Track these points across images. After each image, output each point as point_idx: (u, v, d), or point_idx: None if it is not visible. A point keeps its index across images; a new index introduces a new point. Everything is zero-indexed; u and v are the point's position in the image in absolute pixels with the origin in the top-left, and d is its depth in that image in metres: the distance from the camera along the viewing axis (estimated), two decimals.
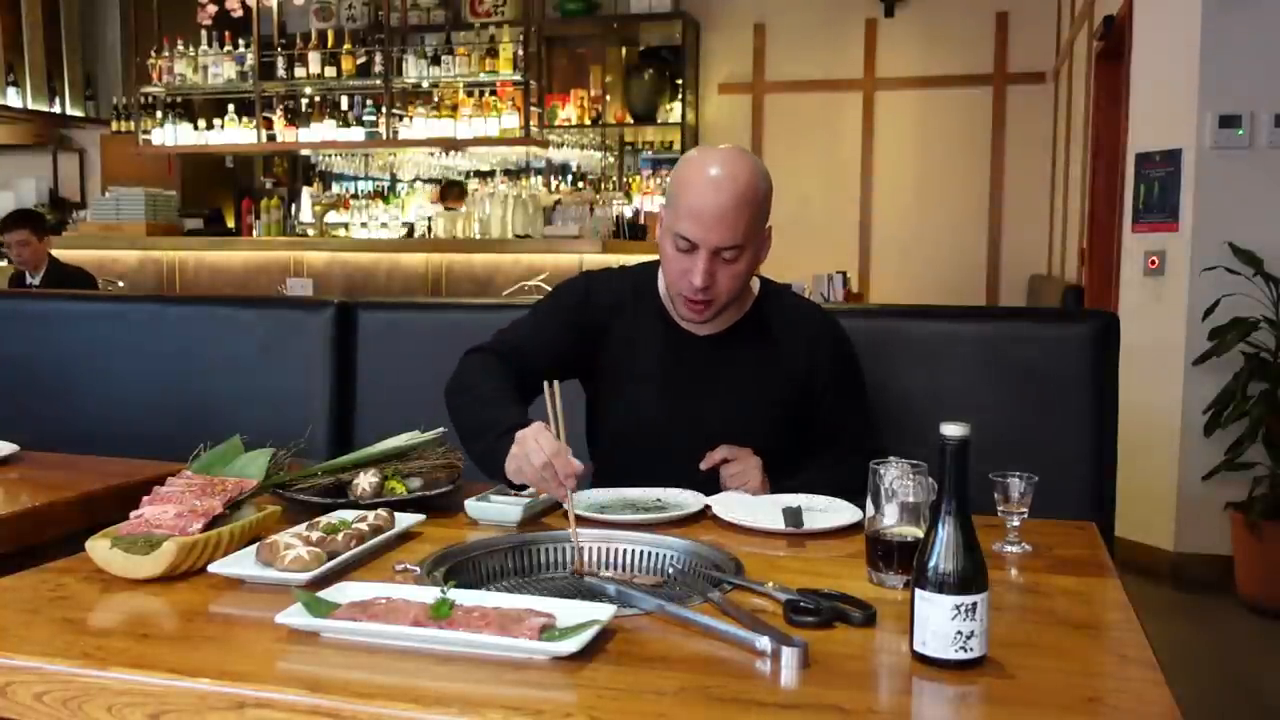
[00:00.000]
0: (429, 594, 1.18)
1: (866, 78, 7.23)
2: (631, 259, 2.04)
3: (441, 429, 1.84)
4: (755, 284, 1.94)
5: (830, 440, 1.90)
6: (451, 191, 6.99)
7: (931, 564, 1.09)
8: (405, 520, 1.55)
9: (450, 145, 6.45)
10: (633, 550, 1.52)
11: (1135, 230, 4.29)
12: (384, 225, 6.73)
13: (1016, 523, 1.51)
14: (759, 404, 1.87)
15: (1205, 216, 4.00)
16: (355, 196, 7.37)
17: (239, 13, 6.49)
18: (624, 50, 7.51)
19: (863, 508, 1.39)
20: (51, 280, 5.14)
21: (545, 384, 1.59)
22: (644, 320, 1.91)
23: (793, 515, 1.57)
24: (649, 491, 1.76)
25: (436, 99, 6.39)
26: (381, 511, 1.54)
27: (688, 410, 1.87)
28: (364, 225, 6.79)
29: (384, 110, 6.34)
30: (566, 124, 7.34)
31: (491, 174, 7.27)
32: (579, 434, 1.95)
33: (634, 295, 1.93)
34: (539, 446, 1.51)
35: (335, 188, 7.60)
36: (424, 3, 7.31)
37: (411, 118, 6.39)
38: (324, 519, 1.51)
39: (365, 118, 6.43)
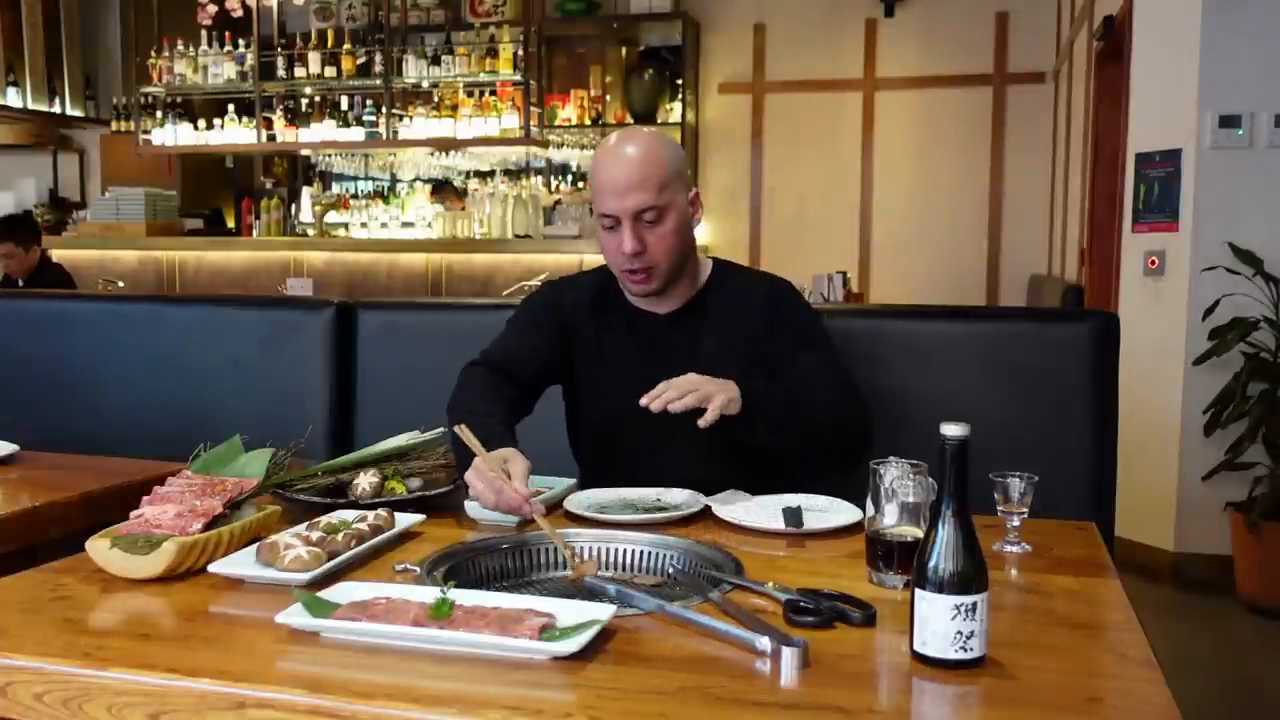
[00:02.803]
0: (429, 594, 1.18)
1: (866, 78, 7.23)
2: None
3: (441, 429, 1.84)
4: (708, 263, 2.00)
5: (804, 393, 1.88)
6: (444, 190, 6.97)
7: (931, 564, 1.09)
8: (405, 520, 1.55)
9: (450, 145, 6.45)
10: (633, 550, 1.52)
11: (1135, 230, 4.29)
12: (384, 225, 6.73)
13: (1016, 523, 1.51)
14: (729, 373, 1.87)
15: (1205, 216, 4.00)
16: (355, 196, 7.36)
17: (239, 13, 6.49)
18: (624, 50, 7.50)
19: (863, 507, 1.39)
20: (34, 283, 5.08)
21: (458, 429, 1.63)
22: (607, 314, 1.97)
23: (793, 515, 1.57)
24: (649, 491, 1.76)
25: (436, 99, 6.39)
26: (381, 511, 1.54)
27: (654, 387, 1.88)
28: (364, 225, 6.79)
29: (384, 110, 6.34)
30: (566, 124, 7.33)
31: (491, 174, 7.27)
32: (554, 432, 1.98)
33: (596, 292, 1.99)
34: (484, 490, 1.56)
35: (335, 188, 7.60)
36: (424, 3, 7.30)
37: (411, 118, 6.39)
38: (324, 519, 1.51)
39: (365, 118, 6.43)
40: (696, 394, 1.67)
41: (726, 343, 1.90)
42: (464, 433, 1.63)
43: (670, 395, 1.67)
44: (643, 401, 1.68)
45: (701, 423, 1.66)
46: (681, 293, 1.94)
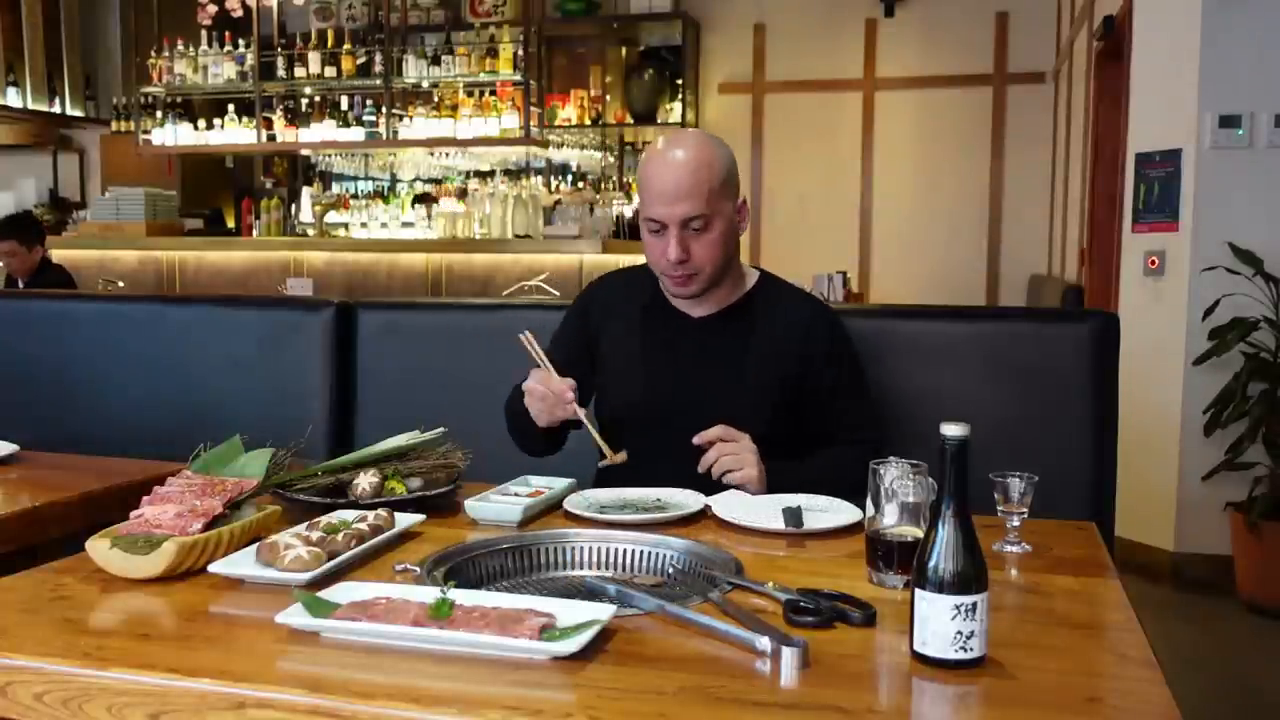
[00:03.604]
0: (429, 594, 1.18)
1: (866, 78, 7.23)
2: (631, 259, 2.07)
3: (442, 429, 1.84)
4: (754, 273, 2.00)
5: (832, 430, 1.92)
6: (427, 202, 6.91)
7: (931, 564, 1.09)
8: (405, 520, 1.55)
9: (450, 145, 6.45)
10: (633, 550, 1.52)
11: (1135, 230, 4.29)
12: (384, 225, 6.73)
13: (1016, 523, 1.51)
14: (753, 382, 1.90)
15: (1205, 216, 4.00)
16: (355, 196, 7.36)
17: (239, 13, 6.48)
18: (624, 50, 7.50)
19: (863, 506, 1.39)
20: (36, 284, 5.08)
21: (521, 336, 1.81)
22: (641, 311, 1.99)
23: (793, 515, 1.57)
24: (649, 491, 1.76)
25: (436, 99, 6.39)
26: (381, 511, 1.53)
27: (681, 388, 1.90)
28: (364, 225, 6.78)
29: (384, 110, 6.34)
30: (566, 124, 7.33)
31: (491, 174, 7.27)
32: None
33: (635, 288, 2.01)
34: (534, 389, 1.78)
35: (335, 188, 7.60)
36: (424, 3, 7.30)
37: (411, 118, 6.38)
38: (324, 519, 1.51)
39: (365, 118, 6.42)
40: (741, 472, 1.75)
41: (761, 353, 1.91)
42: (528, 339, 1.81)
43: (713, 457, 1.76)
44: (696, 440, 1.76)
45: (702, 469, 1.77)
46: (721, 297, 1.95)
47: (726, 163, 1.87)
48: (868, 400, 1.97)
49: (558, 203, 6.63)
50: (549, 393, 1.76)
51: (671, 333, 1.95)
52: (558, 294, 4.93)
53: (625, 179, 7.54)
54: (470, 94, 6.34)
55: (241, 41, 6.62)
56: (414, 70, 6.35)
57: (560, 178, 7.43)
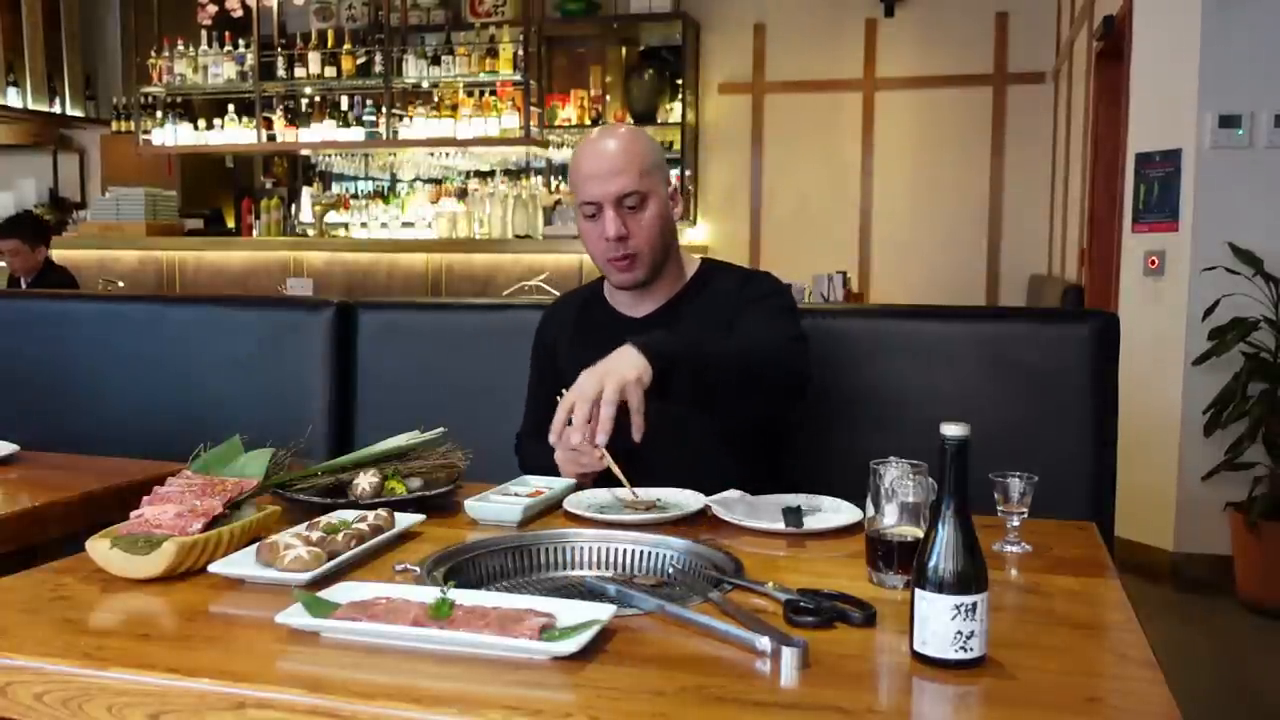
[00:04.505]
0: (429, 594, 1.18)
1: (866, 78, 7.23)
2: None
3: (442, 429, 1.84)
4: (695, 262, 2.02)
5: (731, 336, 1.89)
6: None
7: (931, 564, 1.09)
8: (405, 520, 1.55)
9: (450, 145, 6.46)
10: (633, 550, 1.52)
11: (1135, 230, 4.29)
12: (384, 225, 6.73)
13: (1016, 523, 1.51)
14: None
15: (1205, 216, 4.00)
16: (355, 196, 7.37)
17: (239, 13, 6.49)
18: (624, 50, 7.50)
19: (863, 507, 1.39)
20: (39, 284, 5.09)
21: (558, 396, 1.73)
22: (590, 321, 2.02)
23: (793, 515, 1.57)
24: (648, 491, 1.76)
25: (436, 99, 6.40)
26: (381, 511, 1.53)
27: None
28: (364, 225, 6.79)
29: (384, 110, 6.35)
30: (566, 124, 7.33)
31: (491, 174, 7.27)
32: None
33: (582, 302, 2.06)
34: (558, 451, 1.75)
35: (335, 188, 7.60)
36: (424, 3, 7.30)
37: (411, 118, 6.39)
38: (324, 519, 1.51)
39: (365, 118, 6.43)
40: (605, 400, 1.51)
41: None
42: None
43: (579, 427, 1.52)
44: (574, 440, 1.56)
45: (636, 435, 1.54)
46: (662, 293, 1.96)
47: (654, 148, 1.92)
48: (781, 311, 1.87)
49: (558, 203, 6.64)
50: (572, 450, 1.74)
51: (618, 335, 1.92)
52: (558, 294, 4.93)
53: None
54: (470, 94, 6.34)
55: (241, 41, 6.63)
56: (414, 70, 6.36)
57: (560, 178, 7.43)
